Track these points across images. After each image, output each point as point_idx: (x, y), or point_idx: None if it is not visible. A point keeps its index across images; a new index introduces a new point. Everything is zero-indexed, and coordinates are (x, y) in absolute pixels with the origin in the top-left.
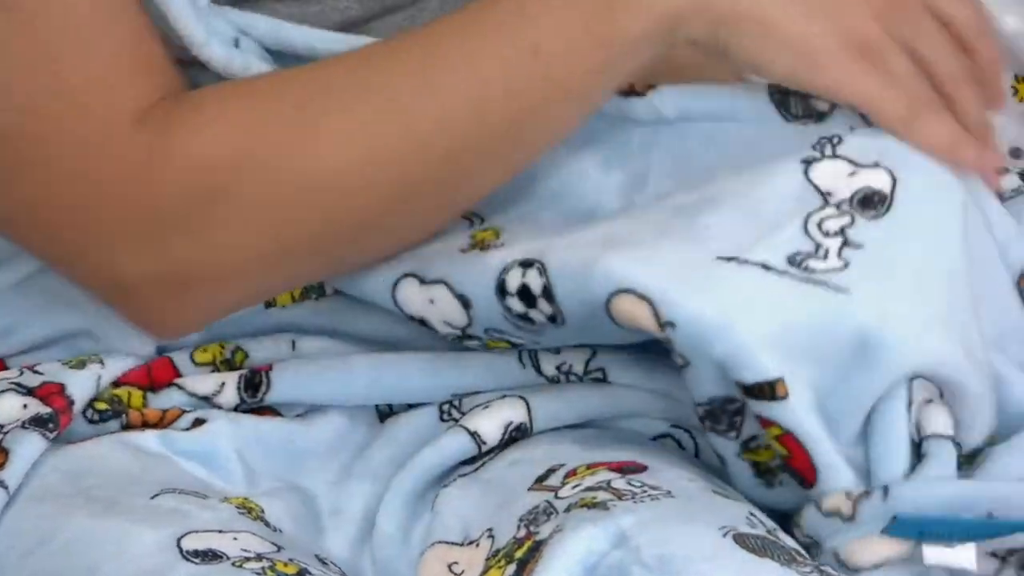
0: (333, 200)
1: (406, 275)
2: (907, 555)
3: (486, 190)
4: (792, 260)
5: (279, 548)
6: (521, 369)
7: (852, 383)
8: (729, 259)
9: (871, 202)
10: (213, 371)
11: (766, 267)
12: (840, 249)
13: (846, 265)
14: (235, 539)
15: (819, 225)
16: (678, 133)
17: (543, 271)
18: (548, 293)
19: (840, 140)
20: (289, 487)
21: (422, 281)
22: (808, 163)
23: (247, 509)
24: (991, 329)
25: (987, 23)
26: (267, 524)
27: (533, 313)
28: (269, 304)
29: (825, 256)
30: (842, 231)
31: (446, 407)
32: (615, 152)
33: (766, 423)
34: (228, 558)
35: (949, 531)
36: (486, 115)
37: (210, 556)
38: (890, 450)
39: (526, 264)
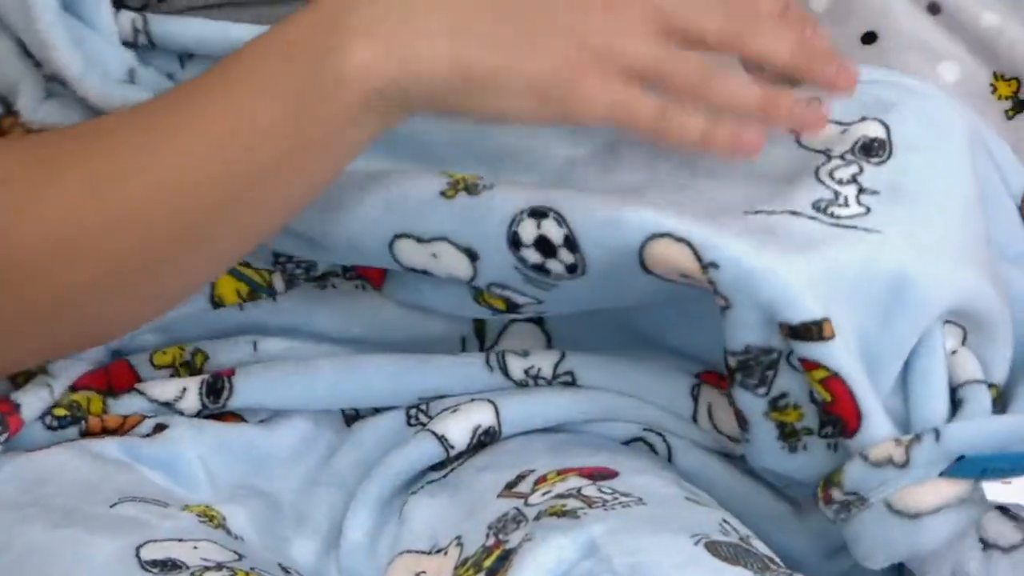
0: (34, 278)
1: (399, 236)
2: (966, 495)
3: (197, 281)
4: (817, 207)
5: (240, 557)
6: (489, 373)
7: (892, 326)
8: (755, 212)
9: (872, 148)
10: (173, 374)
11: (794, 213)
12: (858, 196)
13: (868, 211)
14: (195, 548)
15: (831, 174)
16: None
17: (562, 220)
18: (570, 242)
19: (820, 103)
20: (252, 494)
21: (419, 240)
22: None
23: (208, 517)
24: (1000, 252)
25: None
26: (228, 532)
27: (551, 263)
28: (218, 304)
29: (846, 203)
30: (854, 179)
31: (413, 411)
32: (578, 128)
33: (811, 366)
34: (188, 568)
35: (1012, 467)
36: (184, 202)
37: (169, 566)
38: (931, 395)
39: (538, 214)
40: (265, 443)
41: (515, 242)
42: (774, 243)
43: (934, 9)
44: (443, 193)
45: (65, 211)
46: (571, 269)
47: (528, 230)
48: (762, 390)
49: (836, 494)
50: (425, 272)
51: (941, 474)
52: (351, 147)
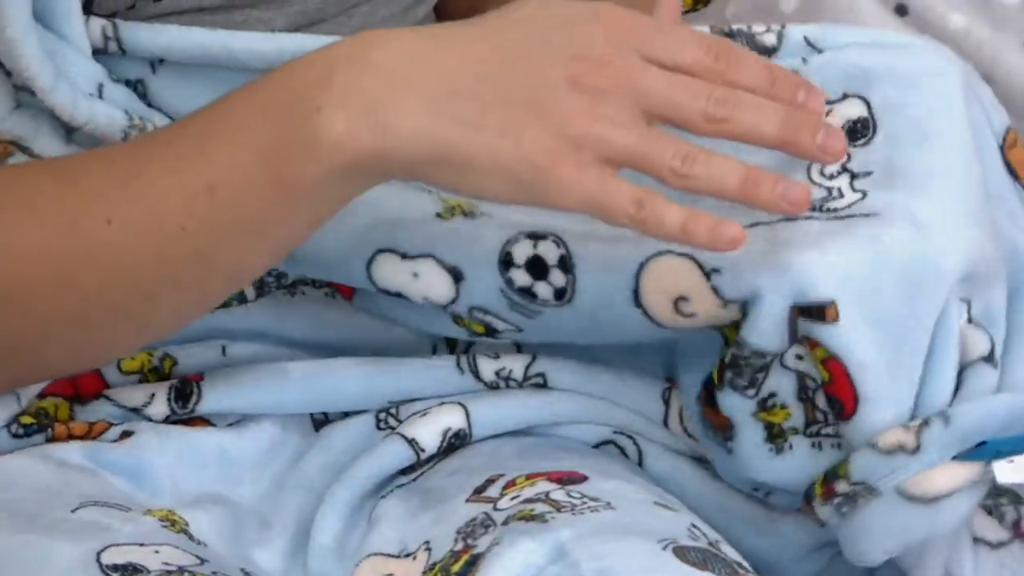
0: (16, 308)
1: (382, 250)
2: (979, 477)
3: (186, 315)
4: (813, 207)
5: (202, 561)
6: (460, 375)
7: (913, 304)
8: (753, 224)
9: (856, 132)
10: (141, 379)
11: (789, 218)
12: (851, 183)
13: (864, 195)
14: (157, 552)
15: (821, 172)
16: None
17: (560, 242)
18: (565, 264)
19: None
20: (217, 499)
21: (404, 256)
22: None
23: (171, 522)
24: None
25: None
26: (191, 537)
27: (539, 286)
28: None
29: (840, 195)
30: (844, 168)
31: (383, 415)
32: None
33: (813, 344)
34: (149, 572)
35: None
36: (165, 248)
37: (131, 570)
38: (940, 379)
39: (536, 236)
40: (233, 448)
41: (506, 261)
42: (776, 245)
43: (902, 11)
44: (439, 215)
45: (44, 246)
46: (559, 295)
47: (523, 250)
48: (751, 391)
49: (841, 486)
50: (399, 295)
51: (954, 458)
52: (329, 206)
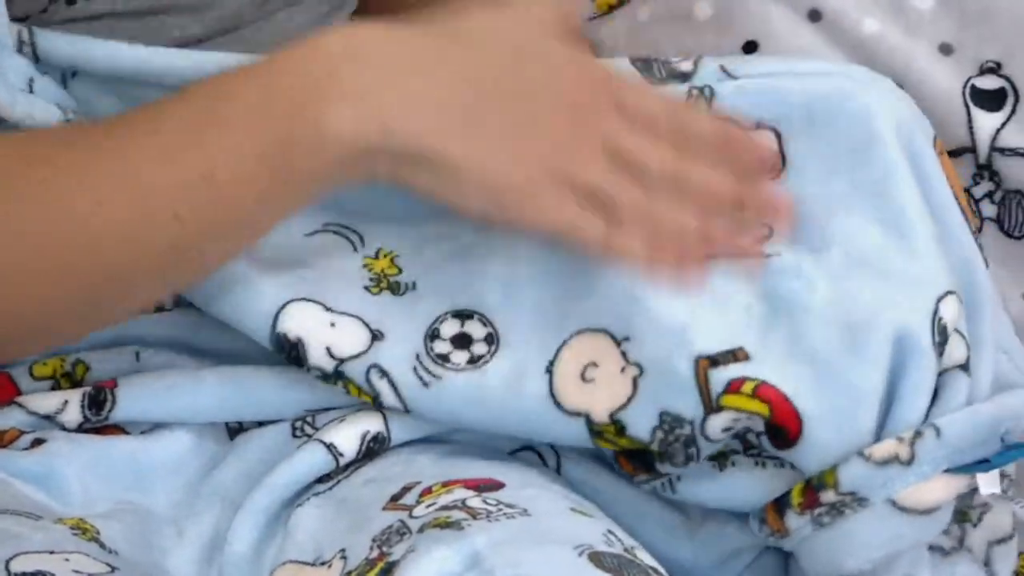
0: (24, 285)
1: (301, 299)
2: (967, 488)
3: (150, 299)
4: None
5: (113, 569)
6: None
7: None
8: None
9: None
10: (53, 386)
11: None
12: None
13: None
14: (67, 560)
15: None
16: None
17: (486, 321)
18: (490, 339)
19: (712, 92)
20: (129, 508)
21: (327, 309)
22: None
23: (81, 530)
24: None
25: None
26: (102, 545)
27: (457, 355)
28: None
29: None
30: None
31: (299, 423)
32: None
33: (738, 384)
34: None
35: (1011, 460)
36: (155, 234)
37: None
38: (914, 392)
39: (463, 315)
40: (146, 455)
41: (432, 335)
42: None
43: (815, 16)
44: (367, 288)
45: (37, 228)
46: (473, 360)
47: (450, 328)
48: (693, 463)
49: (827, 496)
50: (293, 348)
51: (947, 470)
52: (311, 200)
